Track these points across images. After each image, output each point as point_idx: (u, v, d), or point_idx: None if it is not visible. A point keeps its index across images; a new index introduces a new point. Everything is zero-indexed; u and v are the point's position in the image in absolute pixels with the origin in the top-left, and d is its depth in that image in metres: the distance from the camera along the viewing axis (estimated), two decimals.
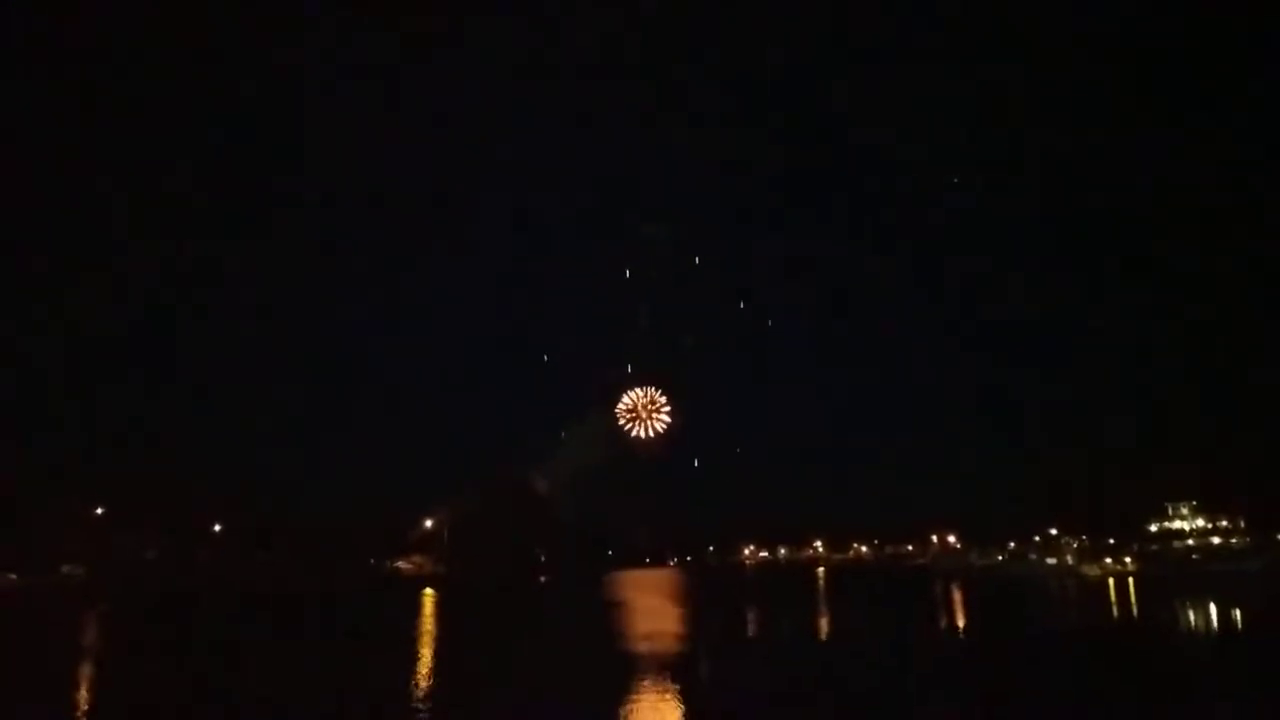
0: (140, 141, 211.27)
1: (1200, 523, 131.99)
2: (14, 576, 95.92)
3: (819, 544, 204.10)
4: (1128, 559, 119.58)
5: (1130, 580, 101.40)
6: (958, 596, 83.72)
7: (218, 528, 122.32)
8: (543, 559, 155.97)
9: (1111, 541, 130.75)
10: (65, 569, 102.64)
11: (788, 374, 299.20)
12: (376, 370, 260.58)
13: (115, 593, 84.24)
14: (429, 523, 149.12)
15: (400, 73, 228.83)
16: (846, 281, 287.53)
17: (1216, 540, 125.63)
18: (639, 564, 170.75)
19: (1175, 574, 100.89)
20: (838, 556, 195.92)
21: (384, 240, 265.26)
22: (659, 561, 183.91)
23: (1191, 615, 60.85)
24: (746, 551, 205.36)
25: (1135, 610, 67.51)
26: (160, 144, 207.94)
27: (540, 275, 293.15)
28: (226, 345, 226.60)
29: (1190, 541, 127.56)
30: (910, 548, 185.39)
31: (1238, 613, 60.22)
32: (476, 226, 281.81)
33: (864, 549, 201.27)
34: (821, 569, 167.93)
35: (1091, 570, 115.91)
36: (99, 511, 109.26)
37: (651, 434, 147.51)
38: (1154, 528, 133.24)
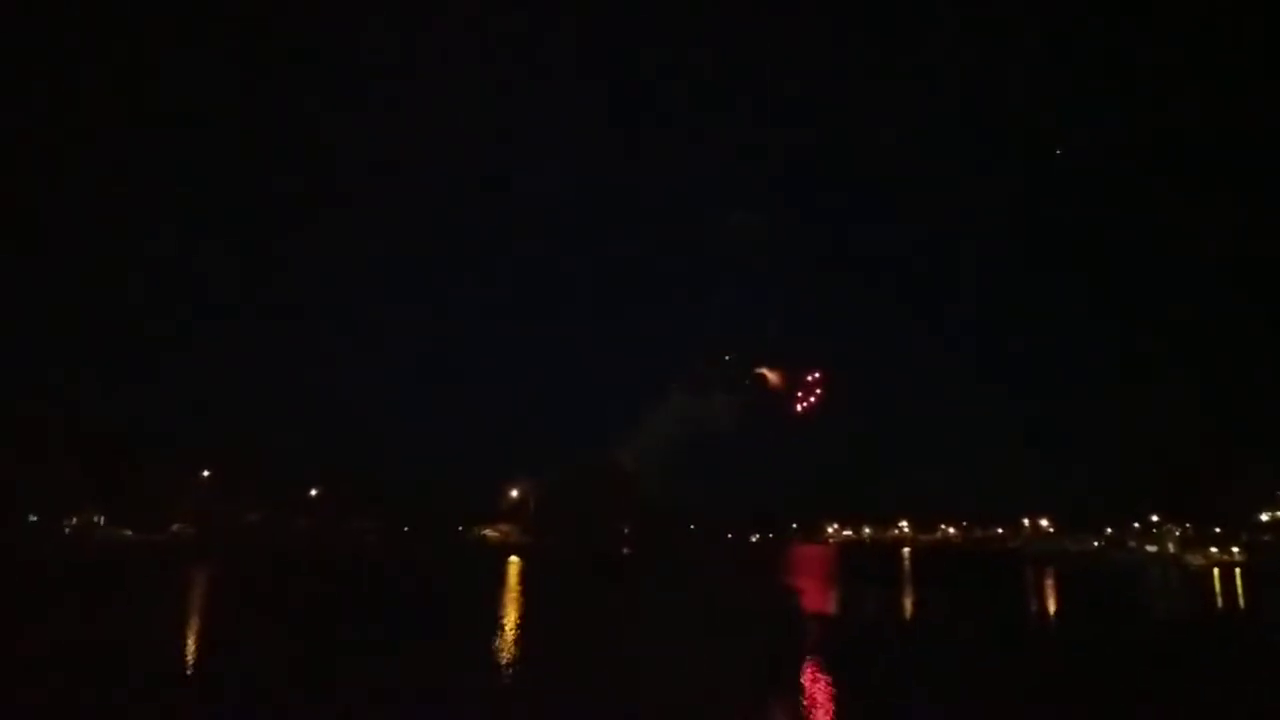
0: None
1: None
2: (129, 533, 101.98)
3: (904, 524, 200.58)
4: (1235, 549, 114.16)
5: (1237, 571, 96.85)
6: (1049, 583, 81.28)
7: (314, 493, 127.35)
8: (626, 532, 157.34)
9: (1218, 530, 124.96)
10: (175, 528, 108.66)
11: (873, 354, 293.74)
12: (469, 345, 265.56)
13: (224, 552, 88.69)
14: (515, 493, 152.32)
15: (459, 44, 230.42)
16: (945, 257, 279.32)
17: None
18: (722, 540, 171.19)
19: None
20: (924, 538, 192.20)
21: (472, 215, 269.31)
22: (741, 538, 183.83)
23: None
24: (830, 529, 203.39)
25: (1241, 602, 64.47)
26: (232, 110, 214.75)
27: (629, 254, 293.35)
28: (322, 320, 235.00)
29: None
30: (1000, 530, 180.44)
31: None
32: (562, 204, 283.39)
33: (951, 530, 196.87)
34: (907, 549, 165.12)
35: (1195, 559, 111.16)
36: (205, 474, 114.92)
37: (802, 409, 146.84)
38: (1265, 517, 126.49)
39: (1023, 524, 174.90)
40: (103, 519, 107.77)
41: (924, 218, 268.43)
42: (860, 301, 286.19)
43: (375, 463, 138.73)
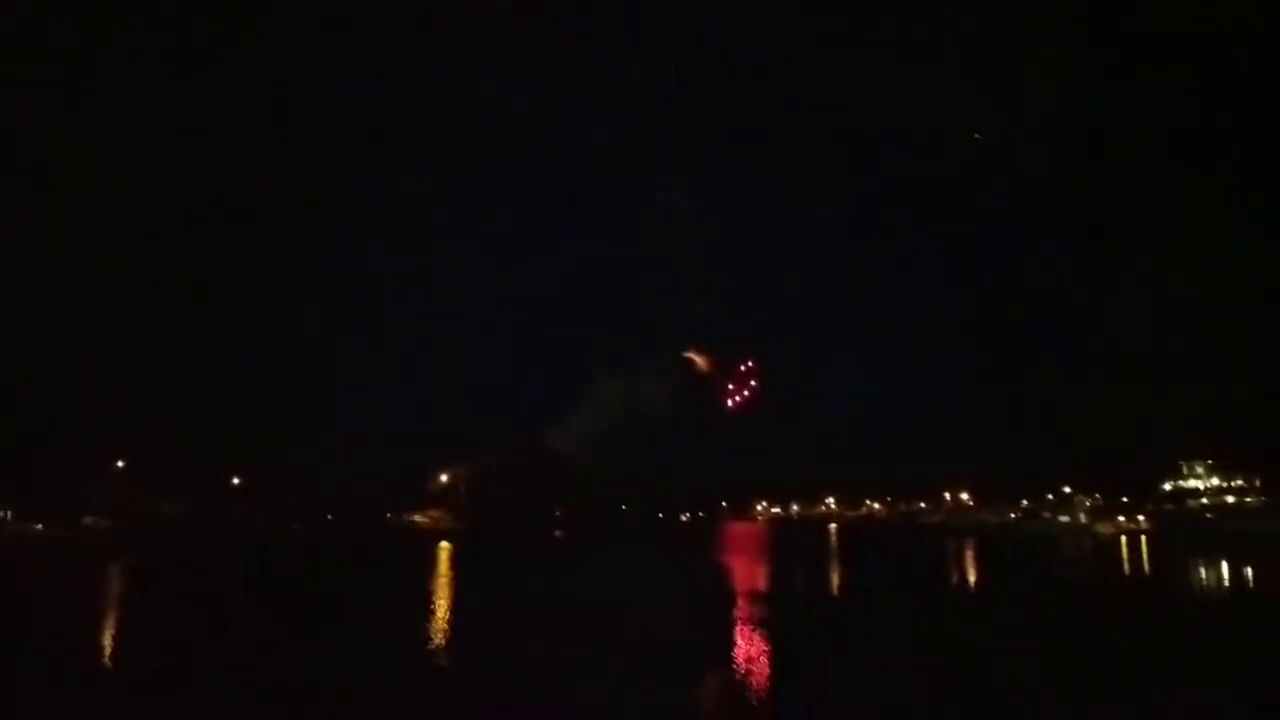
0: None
1: (1215, 482, 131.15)
2: (39, 527, 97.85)
3: (831, 501, 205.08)
4: (1141, 517, 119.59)
5: (1143, 538, 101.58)
6: (969, 553, 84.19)
7: (236, 481, 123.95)
8: (558, 515, 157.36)
9: (1125, 500, 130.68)
10: (88, 520, 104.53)
11: (801, 335, 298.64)
12: (395, 328, 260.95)
13: (138, 545, 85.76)
14: (445, 478, 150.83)
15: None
16: (863, 241, 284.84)
17: (1231, 500, 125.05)
18: (653, 520, 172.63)
19: (1189, 532, 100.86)
20: (850, 513, 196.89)
21: (408, 195, 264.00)
22: (672, 517, 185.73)
23: (1203, 573, 61.02)
24: (759, 507, 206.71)
25: (1146, 568, 67.77)
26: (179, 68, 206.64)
27: (564, 237, 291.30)
28: (246, 300, 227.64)
29: (1205, 501, 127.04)
30: (923, 505, 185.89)
31: (1249, 571, 60.25)
32: (503, 185, 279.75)
33: (877, 506, 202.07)
34: (834, 525, 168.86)
35: (1105, 528, 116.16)
36: (119, 465, 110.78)
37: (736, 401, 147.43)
38: (1168, 486, 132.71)
39: (944, 498, 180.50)
40: (9, 513, 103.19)
41: (849, 204, 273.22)
42: (786, 286, 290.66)
43: (300, 451, 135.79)
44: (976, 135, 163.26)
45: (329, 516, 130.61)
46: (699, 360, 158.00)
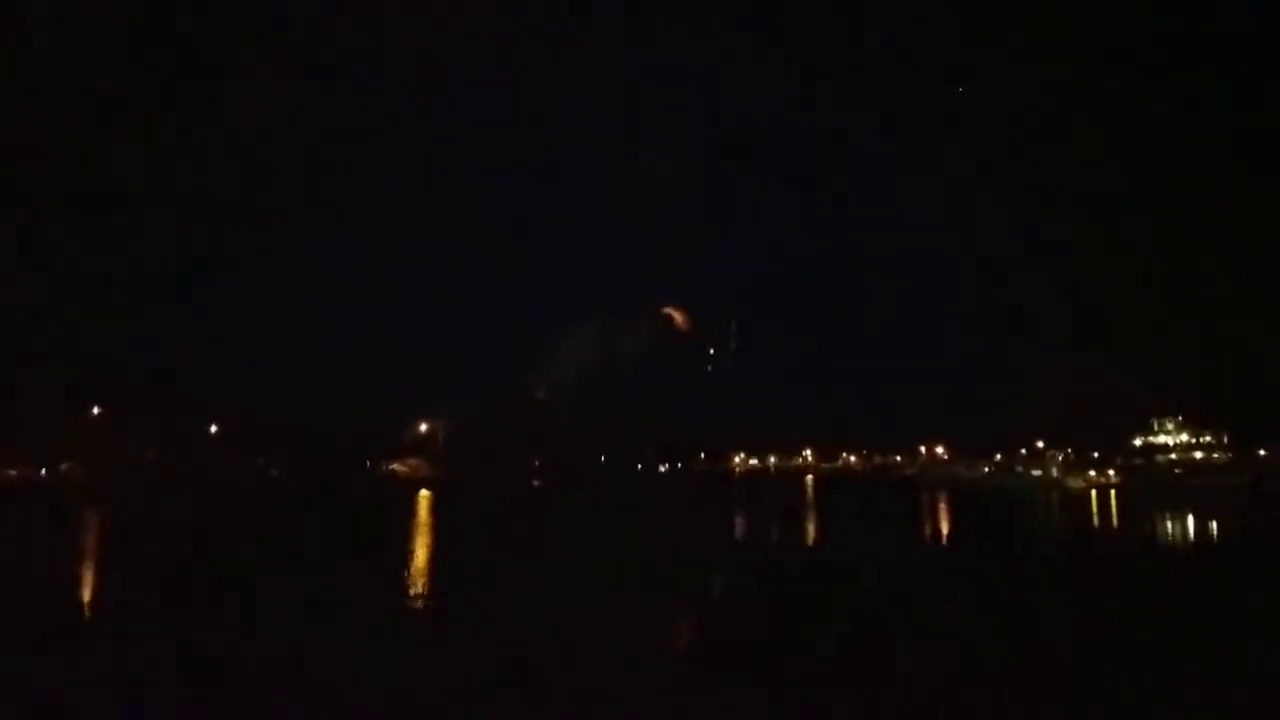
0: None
1: (1184, 438, 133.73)
2: (14, 473, 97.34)
3: (808, 453, 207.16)
4: (1111, 472, 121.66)
5: (1112, 492, 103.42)
6: (941, 505, 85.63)
7: (214, 429, 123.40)
8: (537, 465, 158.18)
9: (1096, 455, 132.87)
10: (65, 467, 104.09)
11: (783, 287, 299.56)
12: (377, 276, 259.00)
13: (116, 492, 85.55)
14: (424, 426, 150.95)
15: None
16: (844, 196, 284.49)
17: (1199, 455, 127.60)
18: (630, 471, 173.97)
19: (1157, 487, 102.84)
20: (826, 466, 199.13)
21: (388, 145, 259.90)
22: (650, 469, 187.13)
23: (1169, 526, 62.44)
24: (736, 460, 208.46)
25: (1114, 521, 69.20)
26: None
27: (546, 186, 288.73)
28: (224, 246, 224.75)
29: (1174, 456, 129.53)
30: (899, 458, 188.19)
31: (1214, 525, 61.69)
32: (483, 136, 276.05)
33: (852, 459, 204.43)
34: (810, 477, 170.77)
35: (1075, 482, 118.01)
36: (96, 411, 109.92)
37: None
38: (1139, 442, 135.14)
39: (919, 451, 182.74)
40: None
41: (831, 156, 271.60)
42: (768, 239, 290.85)
43: (279, 398, 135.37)
44: (961, 89, 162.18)
45: (309, 464, 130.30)
46: (677, 317, 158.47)
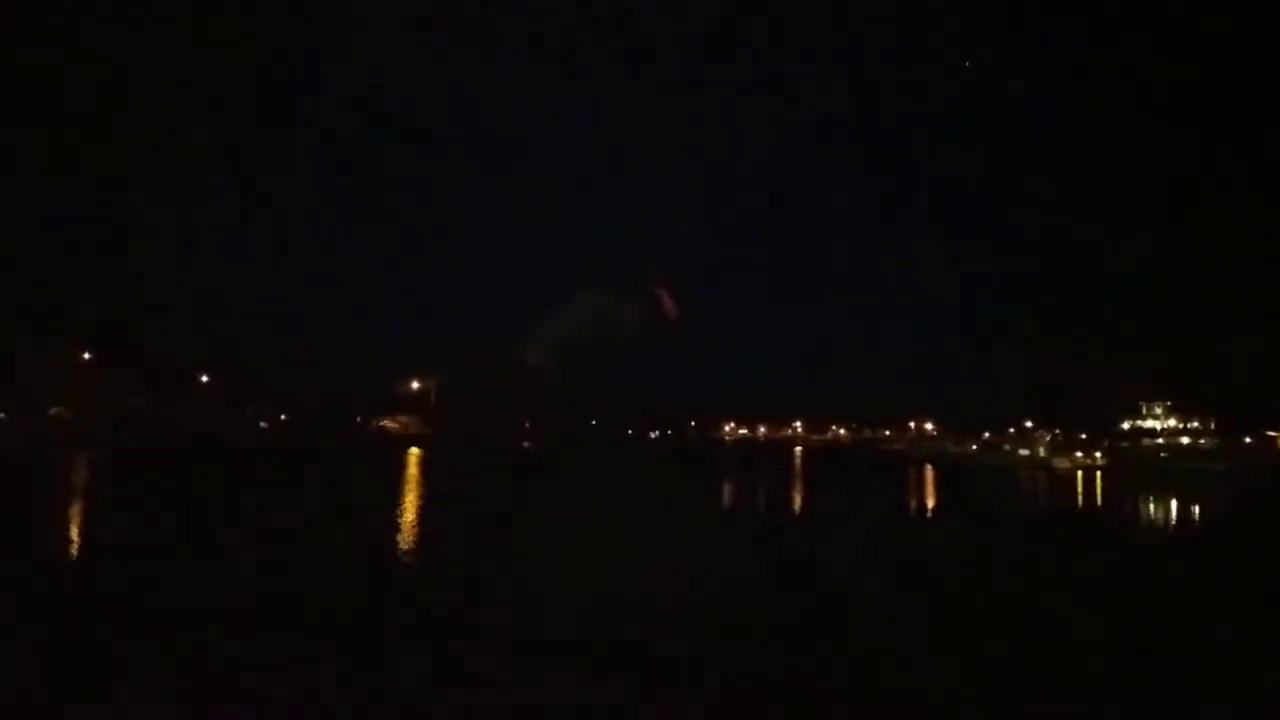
0: None
1: (1172, 423, 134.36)
2: (2, 416, 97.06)
3: (798, 424, 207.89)
4: (1098, 454, 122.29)
5: (1098, 474, 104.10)
6: (928, 479, 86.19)
7: (204, 379, 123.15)
8: (527, 426, 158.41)
9: (1084, 436, 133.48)
10: (53, 411, 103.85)
11: (776, 259, 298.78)
12: (371, 233, 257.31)
13: (104, 437, 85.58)
14: (416, 384, 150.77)
15: None
16: (836, 170, 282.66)
17: (1186, 440, 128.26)
18: (620, 437, 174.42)
19: (1142, 470, 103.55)
20: (816, 438, 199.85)
21: (381, 105, 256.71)
22: (640, 435, 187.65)
23: (1151, 508, 62.96)
24: (727, 428, 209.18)
25: (1098, 501, 69.77)
26: None
27: (541, 150, 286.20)
28: (220, 198, 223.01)
29: (1160, 440, 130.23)
30: (888, 432, 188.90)
31: (1196, 509, 62.19)
32: (471, 99, 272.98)
33: (842, 431, 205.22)
34: (799, 448, 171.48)
35: (1062, 463, 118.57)
36: (85, 356, 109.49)
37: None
38: (1126, 425, 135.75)
39: (908, 426, 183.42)
40: None
41: (832, 130, 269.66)
42: (762, 212, 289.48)
43: (270, 350, 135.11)
44: (967, 63, 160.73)
45: (299, 417, 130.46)
46: (667, 303, 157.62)
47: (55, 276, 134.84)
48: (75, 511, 35.17)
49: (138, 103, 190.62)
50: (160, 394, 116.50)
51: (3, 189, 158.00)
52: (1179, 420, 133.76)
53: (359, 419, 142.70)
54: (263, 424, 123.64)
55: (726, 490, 65.68)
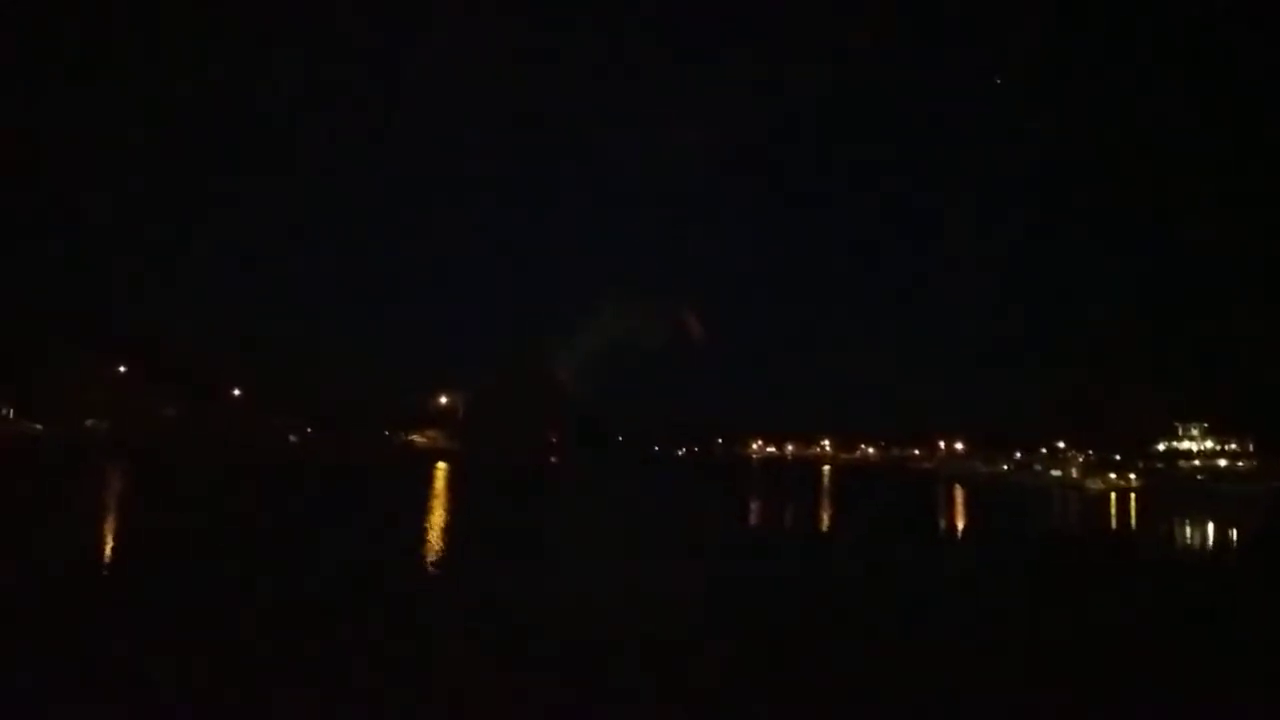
0: None
1: (1209, 444, 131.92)
2: (39, 426, 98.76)
3: (826, 443, 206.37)
4: (1132, 475, 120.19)
5: (1132, 496, 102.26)
6: (958, 499, 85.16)
7: (236, 392, 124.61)
8: (554, 441, 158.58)
9: (1118, 457, 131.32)
10: (89, 423, 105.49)
11: (805, 275, 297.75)
12: (402, 248, 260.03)
13: (138, 448, 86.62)
14: (444, 399, 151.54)
15: None
16: (869, 185, 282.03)
17: (1223, 463, 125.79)
18: (648, 453, 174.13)
19: (1178, 492, 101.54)
20: (844, 456, 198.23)
21: (412, 118, 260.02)
22: (667, 451, 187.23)
23: (1187, 531, 61.65)
24: (754, 446, 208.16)
25: (1132, 523, 68.49)
26: None
27: (571, 164, 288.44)
28: (252, 211, 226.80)
29: (1197, 462, 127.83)
30: (917, 451, 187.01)
31: (1234, 533, 60.84)
32: (507, 105, 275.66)
33: (870, 450, 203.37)
34: (827, 467, 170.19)
35: (1095, 484, 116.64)
36: (121, 369, 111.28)
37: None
38: (1162, 446, 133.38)
39: (938, 445, 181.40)
40: (10, 412, 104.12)
41: (870, 146, 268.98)
42: (795, 228, 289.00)
43: (301, 364, 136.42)
44: (999, 80, 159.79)
45: (329, 431, 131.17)
46: (692, 325, 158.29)
47: (91, 290, 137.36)
48: (101, 519, 35.51)
49: (177, 119, 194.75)
50: (193, 406, 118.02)
51: (39, 204, 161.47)
52: (1217, 441, 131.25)
53: (387, 433, 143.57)
54: (292, 437, 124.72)
55: (755, 513, 65.24)
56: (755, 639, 19.05)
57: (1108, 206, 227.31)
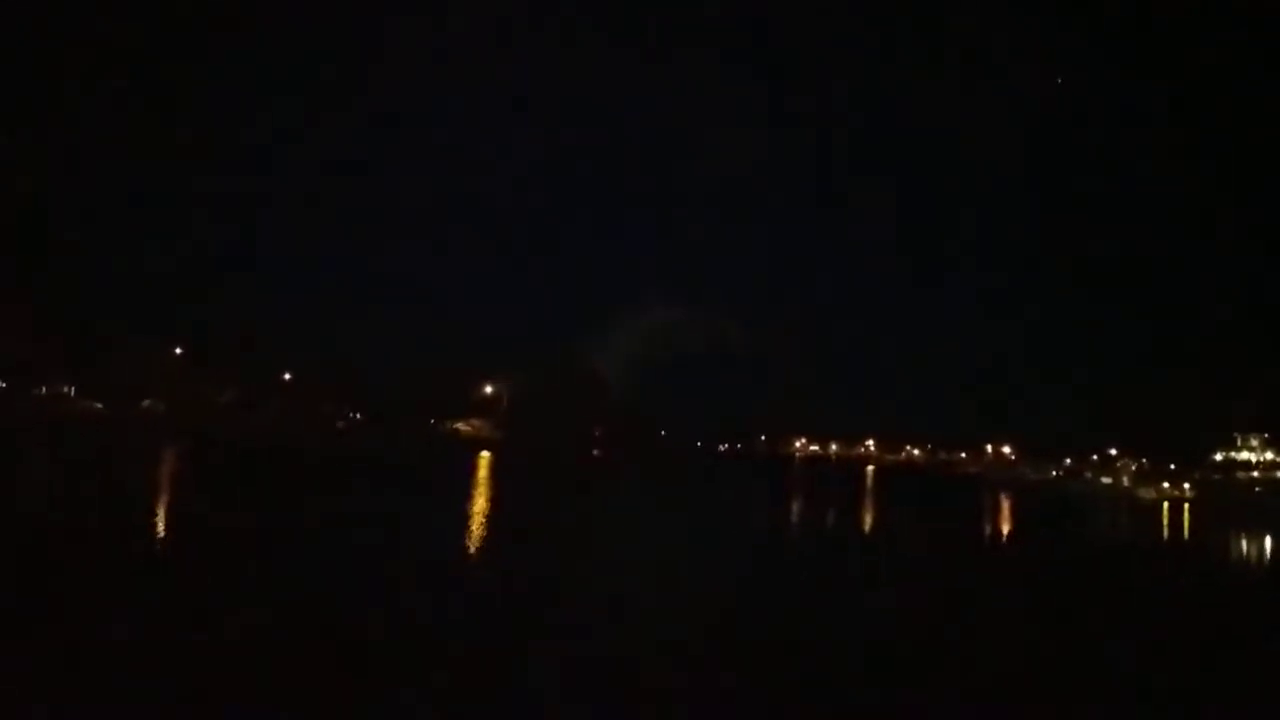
0: None
1: (1269, 456, 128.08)
2: (100, 405, 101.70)
3: (870, 443, 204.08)
4: (1186, 485, 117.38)
5: (1185, 506, 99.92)
6: (1004, 506, 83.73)
7: (286, 376, 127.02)
8: (597, 434, 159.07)
9: (1172, 467, 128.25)
10: (146, 403, 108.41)
11: (855, 275, 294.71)
12: (452, 241, 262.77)
13: (194, 429, 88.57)
14: (489, 388, 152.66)
15: None
16: (915, 187, 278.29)
17: None
18: (690, 448, 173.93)
19: (1234, 504, 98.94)
20: (889, 457, 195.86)
21: (461, 111, 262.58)
22: (710, 447, 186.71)
23: (1244, 546, 59.98)
24: (798, 444, 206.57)
25: (1185, 535, 66.84)
26: None
27: (625, 164, 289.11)
28: (303, 205, 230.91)
29: (1255, 474, 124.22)
30: (964, 455, 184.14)
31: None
32: (556, 111, 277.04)
33: (916, 451, 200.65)
34: (871, 467, 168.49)
35: (1147, 493, 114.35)
36: (178, 351, 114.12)
37: None
38: (1219, 457, 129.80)
39: (985, 450, 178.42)
40: (73, 389, 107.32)
41: (910, 157, 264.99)
42: (840, 233, 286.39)
43: (349, 350, 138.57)
44: (1059, 79, 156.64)
45: (376, 418, 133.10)
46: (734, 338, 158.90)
47: (153, 277, 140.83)
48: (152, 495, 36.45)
49: (245, 112, 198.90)
50: (245, 391, 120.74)
51: (108, 190, 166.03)
52: (1277, 453, 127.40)
53: (433, 421, 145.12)
54: (340, 423, 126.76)
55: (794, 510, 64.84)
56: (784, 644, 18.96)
57: (1167, 211, 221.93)
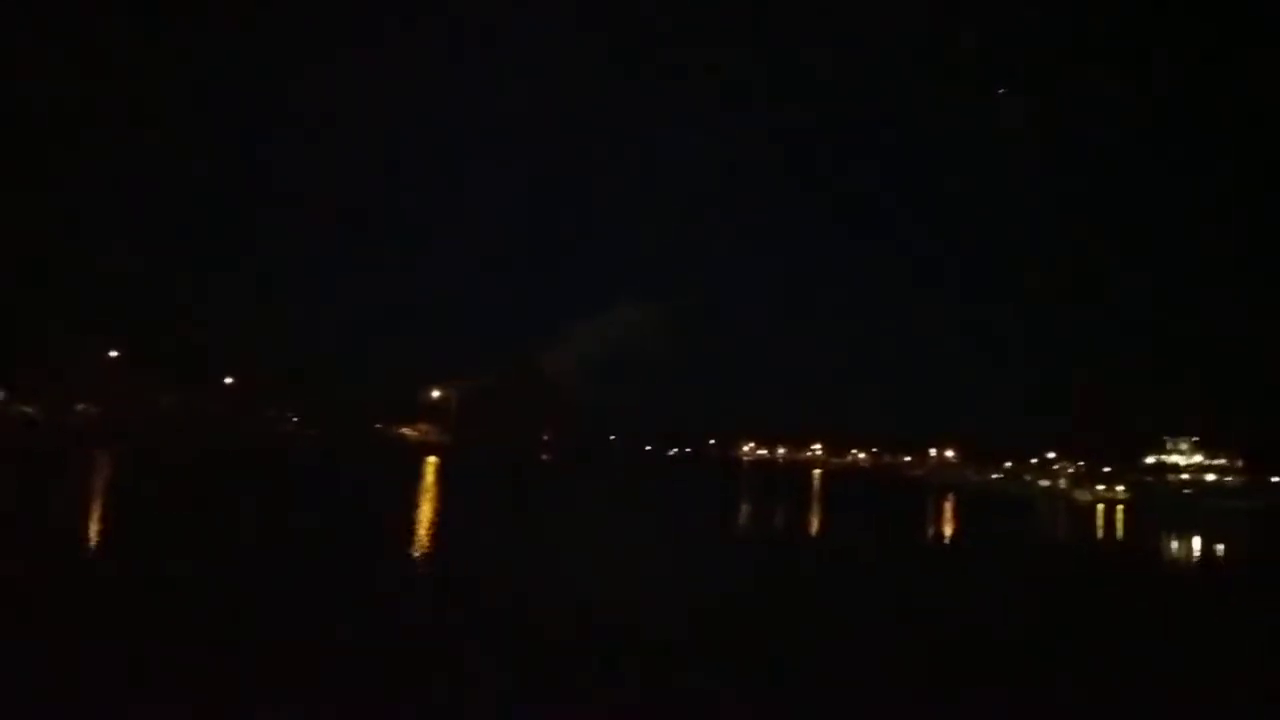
0: None
1: (1199, 459, 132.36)
2: (30, 410, 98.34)
3: (818, 447, 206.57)
4: (1120, 487, 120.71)
5: (1119, 508, 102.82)
6: (946, 506, 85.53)
7: (228, 380, 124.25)
8: (546, 439, 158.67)
9: (1107, 470, 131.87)
10: (80, 407, 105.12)
11: (802, 282, 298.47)
12: (400, 241, 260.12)
13: (130, 434, 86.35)
14: (436, 393, 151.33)
15: None
16: (862, 193, 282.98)
17: (1211, 477, 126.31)
18: (639, 453, 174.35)
19: (1165, 505, 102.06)
20: (835, 461, 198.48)
21: (418, 108, 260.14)
22: (659, 452, 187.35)
23: (1173, 544, 62.03)
24: (746, 448, 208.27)
25: (1116, 534, 68.91)
26: None
27: (570, 166, 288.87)
28: (247, 202, 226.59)
29: (1185, 476, 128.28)
30: (908, 459, 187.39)
31: (1218, 545, 61.26)
32: (509, 110, 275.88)
33: (862, 456, 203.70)
34: (818, 471, 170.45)
35: (1083, 495, 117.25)
36: (114, 354, 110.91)
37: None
38: (1151, 460, 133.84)
39: (929, 453, 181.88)
40: (4, 394, 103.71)
41: (873, 153, 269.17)
42: (791, 234, 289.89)
43: (294, 354, 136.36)
44: (1001, 89, 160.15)
45: (320, 421, 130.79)
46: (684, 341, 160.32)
47: (87, 276, 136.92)
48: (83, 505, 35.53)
49: (175, 111, 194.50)
50: (187, 394, 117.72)
51: (35, 189, 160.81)
52: (1206, 456, 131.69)
53: (378, 425, 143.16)
54: (282, 427, 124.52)
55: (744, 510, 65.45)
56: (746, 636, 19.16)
57: (1102, 218, 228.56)
